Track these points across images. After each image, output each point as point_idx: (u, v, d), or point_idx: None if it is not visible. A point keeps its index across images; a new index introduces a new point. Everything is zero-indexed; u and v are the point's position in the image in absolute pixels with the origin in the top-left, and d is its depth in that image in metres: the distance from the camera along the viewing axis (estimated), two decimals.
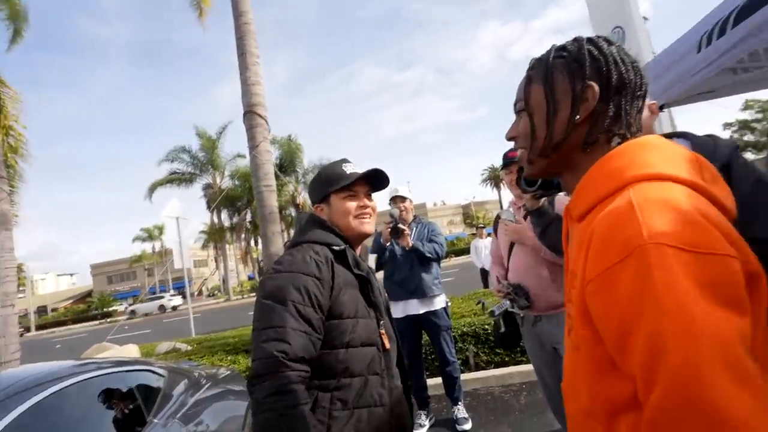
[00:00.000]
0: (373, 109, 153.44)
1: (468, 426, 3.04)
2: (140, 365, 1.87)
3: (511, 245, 2.09)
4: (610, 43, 0.68)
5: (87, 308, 48.22)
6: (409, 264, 3.08)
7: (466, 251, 23.78)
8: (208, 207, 30.19)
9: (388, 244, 3.11)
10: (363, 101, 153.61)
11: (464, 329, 4.15)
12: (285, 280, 1.06)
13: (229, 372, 2.70)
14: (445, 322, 3.14)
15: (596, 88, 0.65)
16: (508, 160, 2.02)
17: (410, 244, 3.00)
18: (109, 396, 1.57)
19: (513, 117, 0.78)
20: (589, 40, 0.69)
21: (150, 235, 46.33)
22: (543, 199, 1.64)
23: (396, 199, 3.22)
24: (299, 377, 0.98)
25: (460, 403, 3.16)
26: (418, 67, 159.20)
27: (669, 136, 1.24)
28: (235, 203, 29.49)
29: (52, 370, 1.40)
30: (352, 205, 1.23)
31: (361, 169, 1.26)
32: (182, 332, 10.84)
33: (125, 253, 60.63)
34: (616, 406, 0.55)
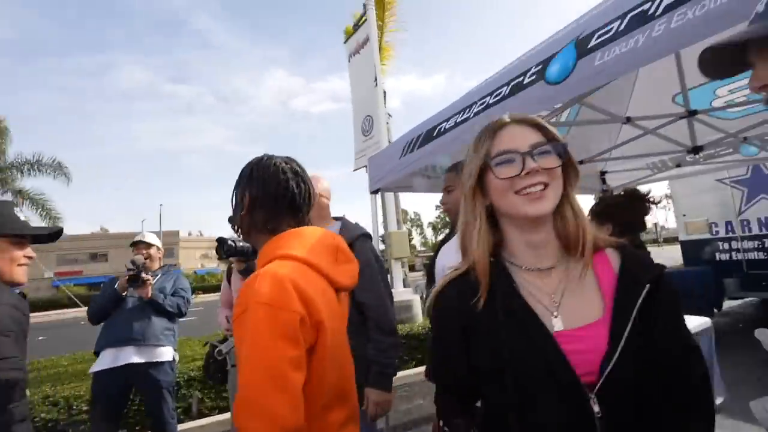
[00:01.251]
0: (132, 115, 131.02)
1: None
2: None
3: None
4: (271, 165, 1.03)
5: None
6: (139, 307, 2.71)
7: (216, 288, 22.33)
8: None
9: (124, 293, 2.68)
10: (119, 101, 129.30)
11: (192, 374, 3.93)
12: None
13: None
14: (168, 378, 2.72)
15: (247, 198, 1.01)
16: None
17: (149, 295, 2.67)
18: None
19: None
20: (254, 160, 1.05)
21: None
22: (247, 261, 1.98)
23: (139, 245, 2.88)
24: None
25: None
26: (196, 85, 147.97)
27: (337, 218, 1.93)
28: None
29: None
30: (19, 253, 1.27)
31: (25, 216, 1.31)
32: None
33: None
34: None
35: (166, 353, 2.72)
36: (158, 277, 2.86)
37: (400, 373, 4.59)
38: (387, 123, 6.59)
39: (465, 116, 2.03)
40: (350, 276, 1.01)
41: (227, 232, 2.47)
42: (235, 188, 1.06)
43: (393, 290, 6.62)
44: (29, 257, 1.30)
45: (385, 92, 6.68)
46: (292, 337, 0.80)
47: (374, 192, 3.06)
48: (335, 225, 1.89)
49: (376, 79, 5.94)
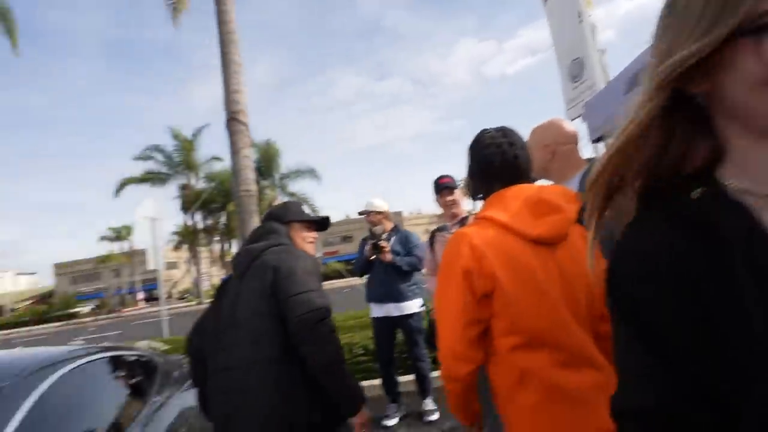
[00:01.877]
0: (350, 117, 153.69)
1: (435, 417, 3.34)
2: (140, 351, 2.08)
3: None
4: (479, 137, 1.23)
5: (48, 308, 46.09)
6: (386, 271, 3.32)
7: None
8: (183, 208, 29.60)
9: (372, 258, 3.37)
10: (340, 109, 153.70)
11: None
12: (314, 263, 1.54)
13: None
14: (418, 324, 3.38)
15: (468, 171, 1.24)
16: (441, 186, 2.55)
17: (389, 260, 3.25)
18: (117, 375, 1.79)
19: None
20: (473, 139, 1.24)
21: (118, 235, 44.87)
22: None
23: (370, 213, 3.45)
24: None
25: (429, 397, 3.44)
26: (396, 77, 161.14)
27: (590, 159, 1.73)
28: (210, 205, 29.10)
29: (60, 352, 1.59)
30: (308, 234, 1.76)
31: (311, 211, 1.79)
32: (155, 333, 10.68)
33: (89, 253, 58.75)
34: None
35: (415, 305, 3.35)
36: (392, 240, 3.37)
37: None
38: (601, 61, 5.69)
39: None
40: (550, 227, 1.07)
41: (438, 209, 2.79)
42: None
43: None
44: (314, 237, 1.80)
45: (594, 26, 5.77)
46: (459, 284, 1.03)
47: (596, 141, 2.74)
48: (579, 174, 1.63)
49: (580, 15, 5.19)
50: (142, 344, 6.30)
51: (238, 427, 1.35)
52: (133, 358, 1.99)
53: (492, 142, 1.18)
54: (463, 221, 2.57)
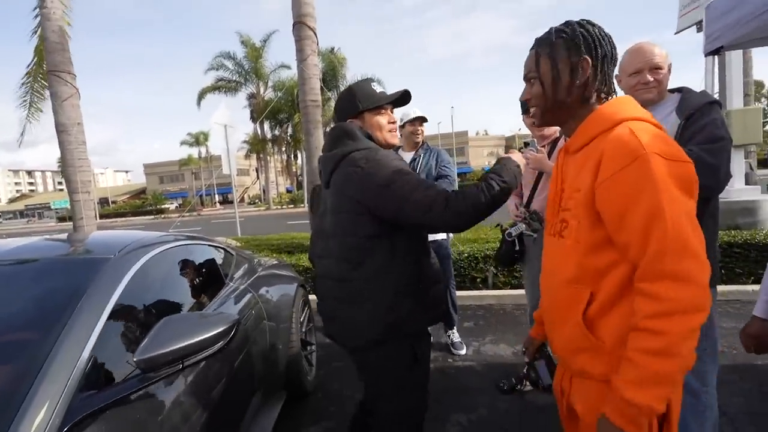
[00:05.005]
0: (423, 25, 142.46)
1: (464, 351, 3.12)
2: (216, 243, 2.32)
3: (538, 177, 2.35)
4: (592, 25, 0.95)
5: (142, 203, 52.57)
6: None
7: None
8: (252, 117, 30.67)
9: None
10: (413, 15, 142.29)
11: (488, 252, 4.49)
12: (389, 171, 1.25)
13: (277, 262, 3.17)
14: (444, 251, 3.09)
15: (589, 60, 0.92)
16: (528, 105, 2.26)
17: None
18: (199, 260, 2.03)
19: None
20: (579, 23, 0.95)
21: (197, 140, 48.08)
22: None
23: (415, 121, 3.00)
24: None
25: (454, 327, 3.25)
26: None
27: (674, 90, 1.59)
28: (277, 115, 29.80)
29: (154, 236, 1.81)
30: (383, 120, 1.44)
31: (383, 88, 1.45)
32: (229, 232, 11.87)
33: (174, 156, 64.25)
34: (601, 270, 0.90)
35: (439, 234, 3.03)
36: (421, 156, 2.97)
37: (729, 288, 3.78)
38: None
39: None
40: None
41: (509, 130, 2.48)
42: (554, 62, 0.95)
43: (728, 188, 5.11)
44: (392, 122, 1.46)
45: None
46: (690, 188, 0.83)
47: (712, 53, 2.30)
48: (673, 97, 1.59)
49: None
50: (220, 240, 7.03)
51: (343, 331, 1.41)
52: (214, 248, 2.23)
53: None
54: (555, 142, 2.36)
